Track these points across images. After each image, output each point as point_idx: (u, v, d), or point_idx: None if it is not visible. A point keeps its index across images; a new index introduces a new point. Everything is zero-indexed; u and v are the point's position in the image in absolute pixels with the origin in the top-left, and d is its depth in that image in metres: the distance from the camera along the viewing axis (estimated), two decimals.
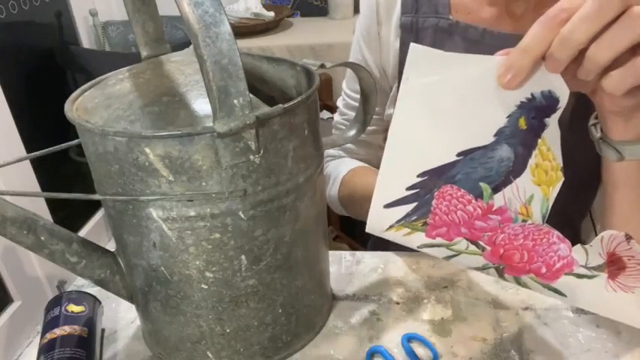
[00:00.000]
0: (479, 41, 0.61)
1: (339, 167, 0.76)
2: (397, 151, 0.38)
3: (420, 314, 0.55)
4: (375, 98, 0.53)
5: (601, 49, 0.34)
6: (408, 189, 0.39)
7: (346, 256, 0.65)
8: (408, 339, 0.52)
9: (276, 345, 0.50)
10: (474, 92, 0.36)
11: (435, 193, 0.39)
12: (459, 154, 0.38)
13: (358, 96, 0.55)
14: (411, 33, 0.65)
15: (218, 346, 0.48)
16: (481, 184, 0.38)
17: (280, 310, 0.49)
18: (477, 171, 0.38)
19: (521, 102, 0.36)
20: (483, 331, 0.53)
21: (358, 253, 0.66)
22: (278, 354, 0.51)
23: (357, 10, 2.13)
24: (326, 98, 1.76)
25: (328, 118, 1.69)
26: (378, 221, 0.41)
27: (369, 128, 0.75)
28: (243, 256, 0.44)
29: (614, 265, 0.38)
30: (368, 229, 0.42)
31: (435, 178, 0.39)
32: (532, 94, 0.36)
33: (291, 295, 0.49)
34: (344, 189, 0.74)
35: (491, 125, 0.37)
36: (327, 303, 0.56)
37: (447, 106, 0.37)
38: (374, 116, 0.73)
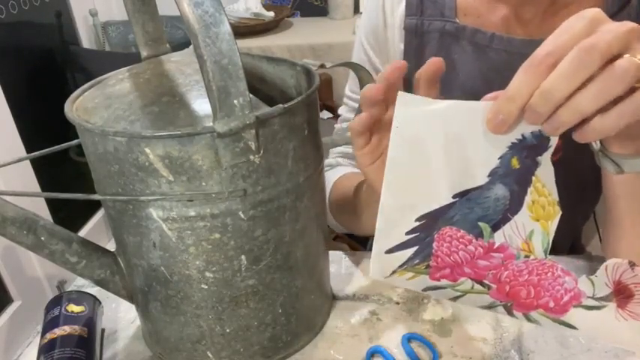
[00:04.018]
0: (487, 46, 0.60)
1: (330, 178, 0.74)
2: (393, 197, 0.39)
3: (420, 314, 0.55)
4: None
5: (576, 107, 0.33)
6: (407, 233, 0.39)
7: (346, 256, 0.65)
8: (408, 339, 0.52)
9: (276, 345, 0.50)
10: (465, 136, 0.37)
11: (435, 236, 0.39)
12: (454, 196, 0.38)
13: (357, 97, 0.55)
14: (415, 36, 0.64)
15: (218, 346, 0.48)
16: (480, 223, 0.38)
17: (280, 310, 0.49)
18: (475, 211, 0.38)
19: (512, 143, 0.36)
20: (483, 331, 0.53)
21: (358, 253, 0.66)
22: (278, 354, 0.51)
23: (357, 10, 2.13)
24: (326, 98, 1.76)
25: (328, 118, 1.69)
26: (381, 267, 0.41)
27: None
28: (243, 256, 0.44)
29: (621, 294, 0.38)
30: (372, 275, 0.42)
31: (433, 220, 0.39)
32: (522, 135, 0.36)
33: (291, 295, 0.49)
34: (332, 197, 0.72)
35: (485, 166, 0.37)
36: (327, 303, 0.56)
37: (438, 150, 0.37)
38: None
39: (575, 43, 0.33)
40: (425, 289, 0.42)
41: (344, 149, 0.77)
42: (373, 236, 0.44)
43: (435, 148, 0.37)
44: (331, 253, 0.60)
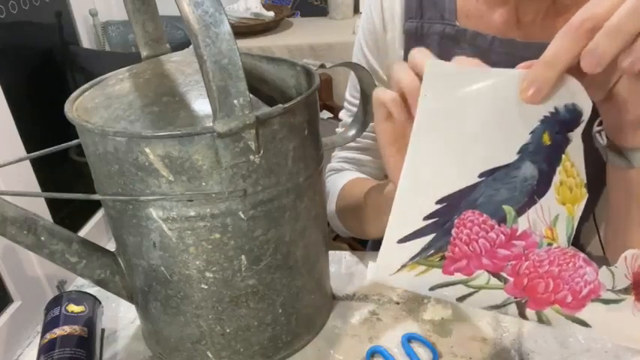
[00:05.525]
0: (488, 49, 0.59)
1: (337, 181, 0.73)
2: (414, 176, 0.36)
3: (420, 314, 0.55)
4: None
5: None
6: (425, 218, 0.37)
7: (346, 256, 0.65)
8: (408, 339, 0.52)
9: (276, 345, 0.50)
10: (495, 108, 0.35)
11: (455, 221, 0.37)
12: (480, 175, 0.36)
13: (357, 102, 0.54)
14: (415, 39, 0.63)
15: (218, 346, 0.48)
16: (504, 206, 0.37)
17: (280, 310, 0.49)
18: (500, 192, 0.36)
19: (545, 116, 0.35)
20: (483, 331, 0.53)
21: (358, 253, 0.66)
22: (278, 354, 0.51)
23: (357, 10, 2.13)
24: (326, 98, 1.76)
25: (328, 118, 1.69)
26: (389, 261, 0.38)
27: (374, 135, 0.74)
28: (243, 256, 0.44)
29: None
30: (373, 275, 0.39)
31: (456, 203, 0.37)
32: (555, 108, 0.34)
33: (291, 295, 0.49)
34: (340, 202, 0.71)
35: (514, 142, 0.35)
36: (327, 303, 0.56)
37: (467, 124, 0.35)
38: None
39: (613, 12, 0.32)
40: (433, 288, 0.39)
41: (348, 154, 0.77)
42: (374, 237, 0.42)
43: (463, 121, 0.35)
44: (331, 253, 0.60)
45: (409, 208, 0.37)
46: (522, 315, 0.39)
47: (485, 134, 0.36)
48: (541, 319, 0.39)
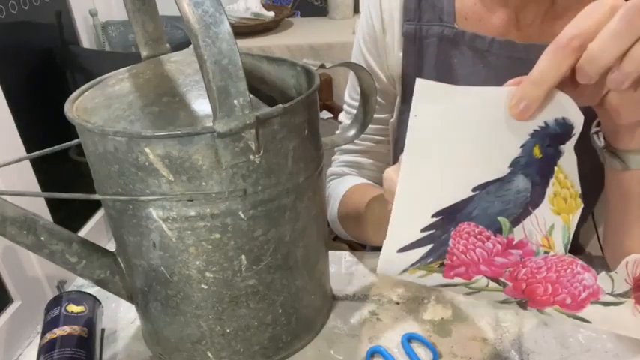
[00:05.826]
0: (487, 51, 0.59)
1: (339, 187, 0.73)
2: (409, 191, 0.37)
3: (420, 314, 0.55)
4: (375, 98, 0.53)
5: (631, 64, 0.33)
6: (422, 230, 0.38)
7: (346, 256, 0.65)
8: (408, 339, 0.52)
9: (276, 345, 0.50)
10: (486, 124, 0.35)
11: (452, 232, 0.37)
12: (474, 189, 0.37)
13: (357, 103, 0.54)
14: (414, 42, 0.63)
15: (218, 346, 0.48)
16: (499, 218, 0.37)
17: (280, 310, 0.49)
18: (494, 205, 0.37)
19: (535, 130, 0.35)
20: (483, 331, 0.53)
21: (358, 253, 0.66)
22: (278, 354, 0.51)
23: (357, 10, 2.13)
24: (326, 98, 1.76)
25: (328, 118, 1.69)
26: (391, 265, 0.39)
27: (375, 138, 0.74)
28: (243, 256, 0.44)
29: None
30: (380, 272, 0.41)
31: (451, 216, 0.37)
32: (545, 122, 0.35)
33: (291, 295, 0.49)
34: (342, 208, 0.71)
35: (506, 156, 0.36)
36: (327, 303, 0.56)
37: (458, 140, 0.36)
38: (380, 126, 0.73)
39: (600, 28, 0.32)
40: (437, 286, 0.40)
41: (348, 158, 0.76)
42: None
43: (454, 138, 0.36)
44: (331, 253, 0.60)
45: (406, 220, 0.38)
46: (524, 309, 0.40)
47: (476, 150, 0.36)
48: (542, 313, 0.40)
